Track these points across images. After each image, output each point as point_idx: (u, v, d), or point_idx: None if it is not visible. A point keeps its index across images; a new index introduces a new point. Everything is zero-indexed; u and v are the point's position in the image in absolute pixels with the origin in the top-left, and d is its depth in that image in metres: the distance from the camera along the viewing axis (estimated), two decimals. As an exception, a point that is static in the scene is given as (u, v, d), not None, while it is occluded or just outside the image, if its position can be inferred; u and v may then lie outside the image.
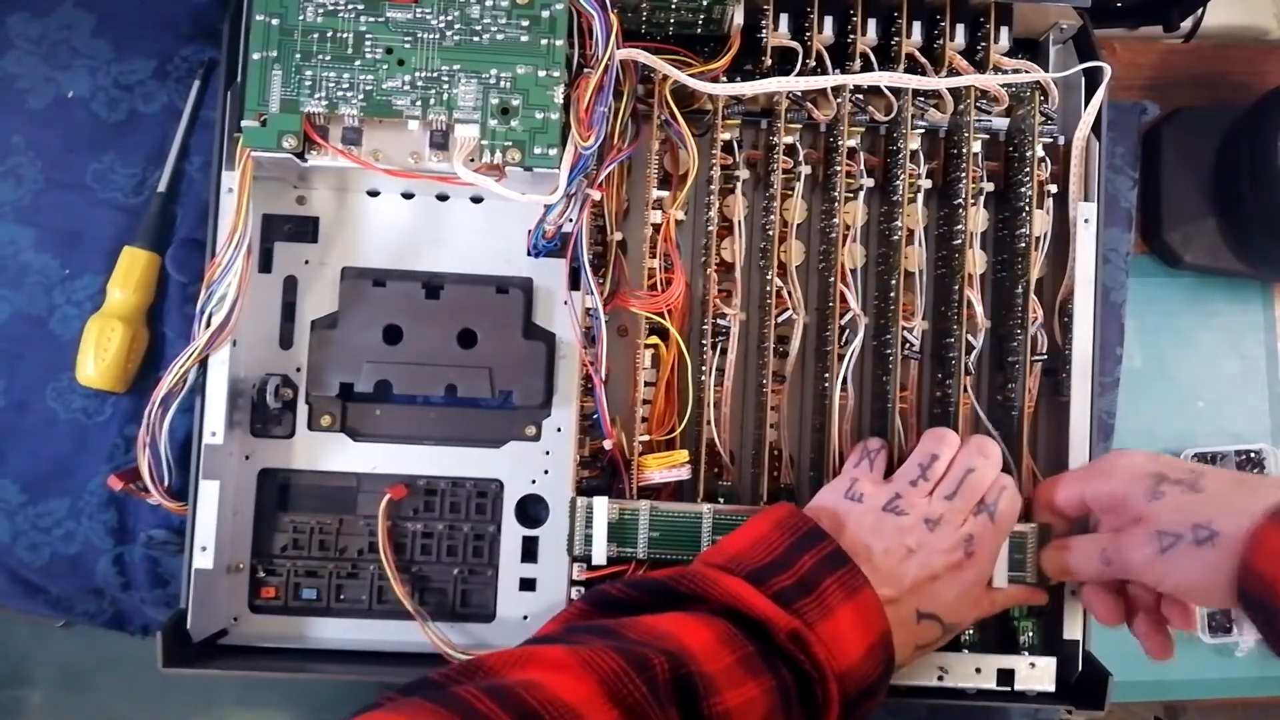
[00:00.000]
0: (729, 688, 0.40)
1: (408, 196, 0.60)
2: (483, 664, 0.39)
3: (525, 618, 0.58)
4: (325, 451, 0.59)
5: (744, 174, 0.59)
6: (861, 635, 0.45)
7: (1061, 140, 0.60)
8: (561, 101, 0.52)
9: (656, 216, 0.57)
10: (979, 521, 0.50)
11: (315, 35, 0.52)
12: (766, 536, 0.48)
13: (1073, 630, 0.56)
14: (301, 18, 0.52)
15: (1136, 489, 0.48)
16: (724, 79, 0.58)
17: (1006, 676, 0.57)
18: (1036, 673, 0.57)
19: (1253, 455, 0.69)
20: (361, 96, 0.52)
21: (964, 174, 0.58)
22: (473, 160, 0.52)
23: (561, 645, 0.39)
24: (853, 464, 0.54)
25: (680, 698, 0.39)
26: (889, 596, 0.47)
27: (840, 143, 0.57)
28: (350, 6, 0.52)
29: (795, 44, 0.57)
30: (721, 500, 0.58)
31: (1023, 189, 0.58)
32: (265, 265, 0.59)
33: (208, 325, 0.54)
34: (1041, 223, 0.58)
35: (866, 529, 0.49)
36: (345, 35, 0.52)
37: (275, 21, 0.52)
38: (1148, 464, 0.49)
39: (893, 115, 0.59)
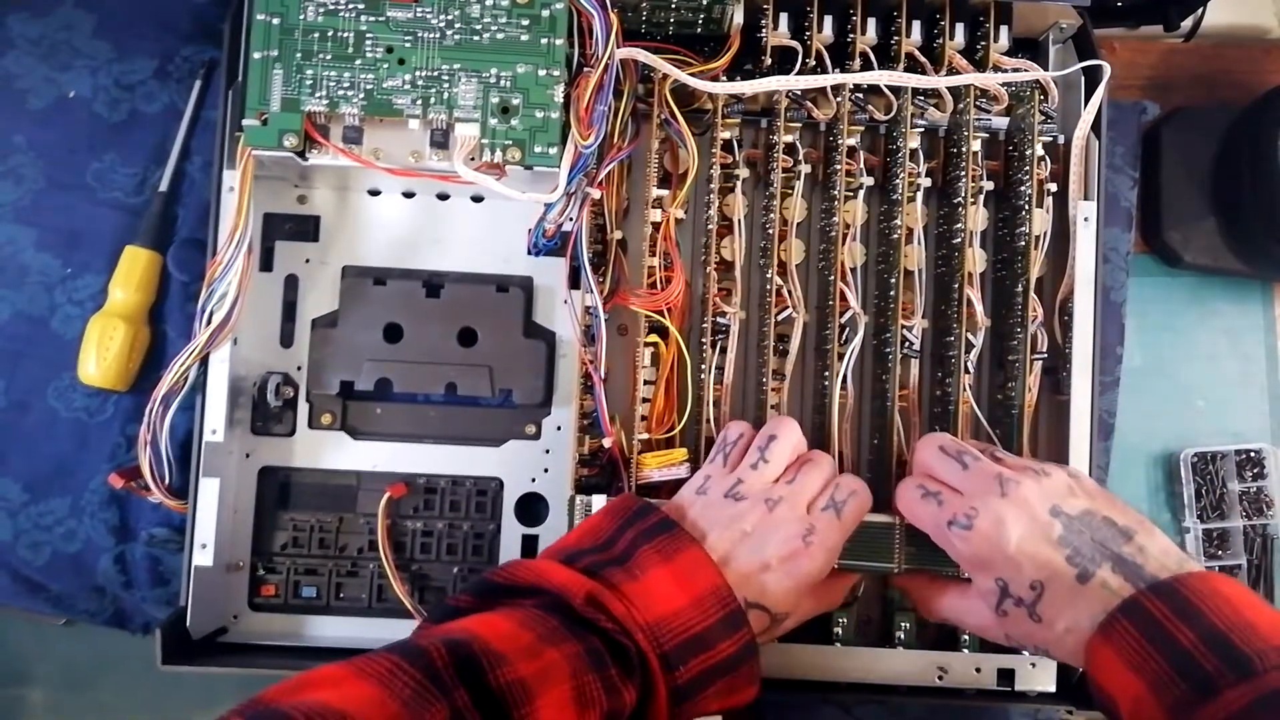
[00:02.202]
0: (522, 660, 0.40)
1: (408, 195, 0.60)
2: (260, 698, 0.37)
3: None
4: (325, 450, 0.59)
5: (744, 173, 0.59)
6: (681, 588, 0.44)
7: (1061, 139, 0.60)
8: (561, 100, 0.52)
9: (656, 215, 0.57)
10: (823, 516, 0.49)
11: (316, 34, 0.52)
12: (598, 524, 0.48)
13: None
14: (302, 17, 0.52)
15: (985, 585, 0.48)
16: (724, 78, 0.58)
17: (1007, 676, 0.57)
18: (1037, 673, 0.57)
19: (1253, 455, 0.69)
20: (362, 95, 0.52)
21: (964, 173, 0.58)
22: (473, 159, 0.52)
23: (338, 664, 0.39)
24: (709, 459, 0.53)
25: (465, 677, 0.38)
26: None
27: (840, 142, 0.58)
28: (351, 6, 0.52)
29: (795, 43, 0.58)
30: (721, 499, 0.58)
31: (1022, 188, 0.58)
32: (266, 264, 0.59)
33: (208, 324, 0.54)
34: (1041, 222, 0.58)
35: (705, 517, 0.48)
36: (346, 34, 0.52)
37: (276, 21, 0.52)
38: (995, 563, 0.47)
39: (892, 114, 0.59)
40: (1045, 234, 0.58)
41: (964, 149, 0.58)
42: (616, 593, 0.43)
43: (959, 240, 0.58)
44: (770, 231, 0.58)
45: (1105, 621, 0.44)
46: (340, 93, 0.52)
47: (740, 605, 0.45)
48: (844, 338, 0.58)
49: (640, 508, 0.48)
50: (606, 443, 0.56)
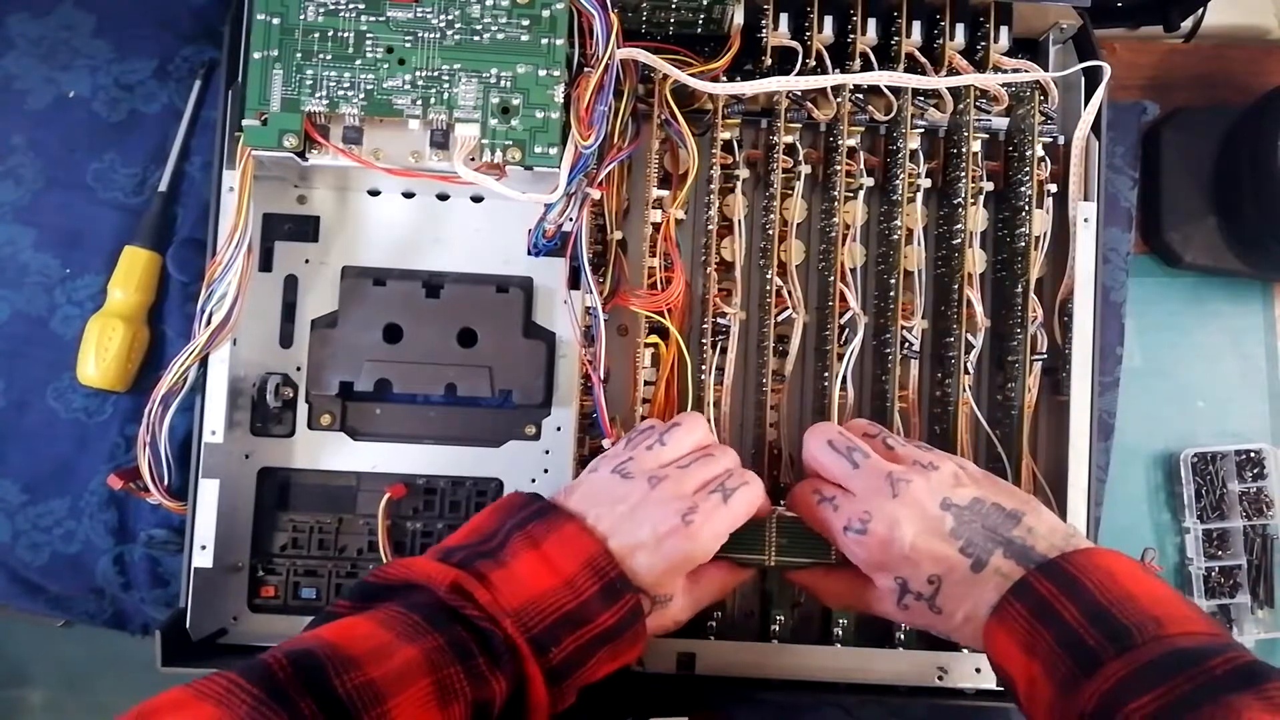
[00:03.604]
0: (373, 662, 0.39)
1: (408, 196, 0.60)
2: None
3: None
4: (325, 450, 0.59)
5: (744, 173, 0.59)
6: (550, 569, 0.44)
7: (1061, 140, 0.60)
8: (562, 101, 0.52)
9: (656, 215, 0.57)
10: (710, 498, 0.47)
11: (316, 34, 0.52)
12: (482, 522, 0.47)
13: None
14: (302, 17, 0.52)
15: (885, 584, 0.48)
16: (724, 78, 0.58)
17: (1006, 676, 0.57)
18: (1036, 672, 0.57)
19: (1253, 455, 0.69)
20: (362, 95, 0.52)
21: (963, 173, 0.58)
22: (473, 159, 0.52)
23: (179, 688, 0.39)
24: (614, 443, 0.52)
25: (311, 687, 0.38)
26: None
27: (840, 142, 0.57)
28: (351, 6, 0.52)
29: (795, 44, 0.58)
30: (721, 499, 0.58)
31: (1022, 188, 0.58)
32: (266, 264, 0.59)
33: (208, 324, 0.54)
34: (1041, 222, 0.58)
35: (589, 495, 0.48)
36: (346, 34, 0.52)
37: (276, 21, 0.52)
38: (892, 563, 0.47)
39: (892, 115, 0.59)
40: (1045, 234, 0.59)
41: (964, 149, 0.58)
42: (484, 581, 0.43)
43: (959, 241, 0.58)
44: (770, 232, 0.58)
45: (998, 605, 0.44)
46: (340, 93, 0.52)
47: (620, 573, 0.45)
48: (844, 338, 0.58)
49: (523, 501, 0.48)
50: (606, 443, 0.56)
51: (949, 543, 0.46)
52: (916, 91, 0.58)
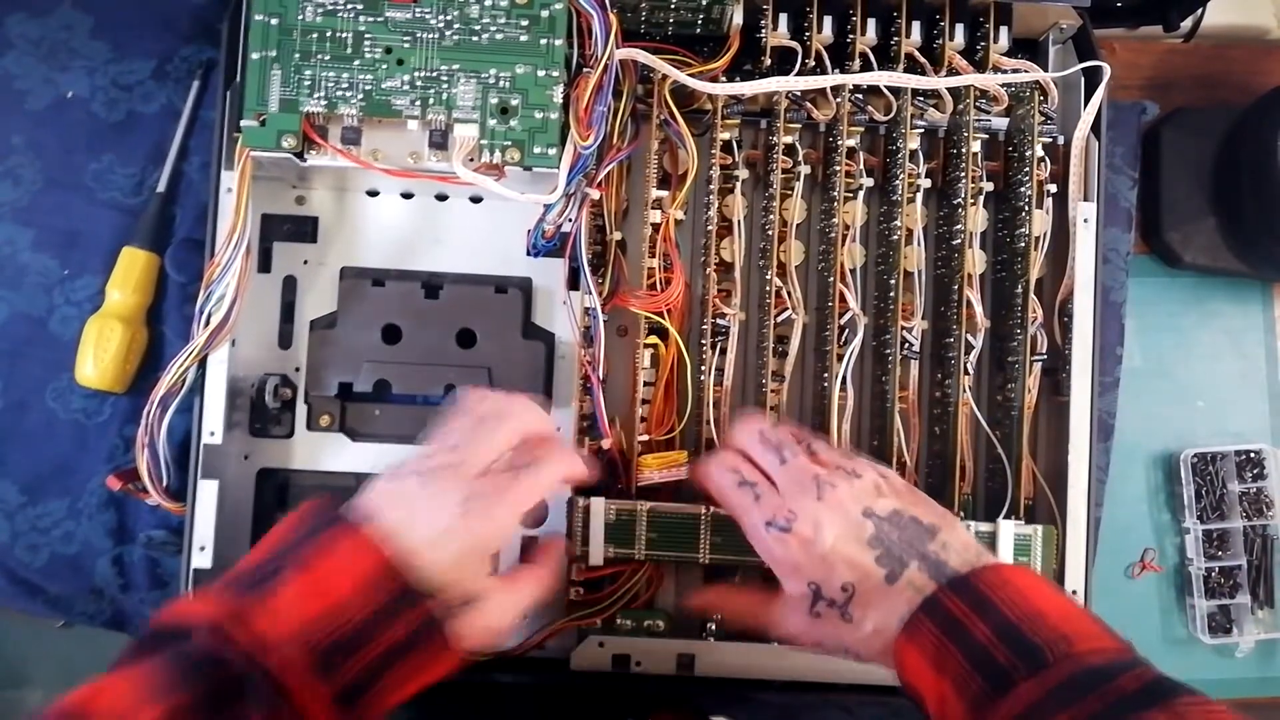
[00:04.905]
0: None
1: (407, 196, 0.60)
2: None
3: (524, 617, 0.58)
4: (324, 451, 0.59)
5: (743, 174, 0.59)
6: (318, 593, 0.41)
7: (1061, 140, 0.60)
8: (561, 101, 0.52)
9: (656, 216, 0.57)
10: (497, 479, 0.45)
11: (314, 35, 0.52)
12: (280, 535, 0.45)
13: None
14: (301, 17, 0.52)
15: (798, 589, 0.47)
16: (723, 79, 0.58)
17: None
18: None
19: (1253, 455, 0.69)
20: (361, 96, 0.52)
21: (963, 174, 0.58)
22: (472, 160, 0.52)
23: None
24: None
25: None
26: None
27: (840, 142, 0.57)
28: (349, 6, 0.52)
29: (794, 44, 0.57)
30: (721, 500, 0.58)
31: (1022, 189, 0.58)
32: (264, 265, 0.59)
33: (206, 325, 0.54)
34: (1041, 222, 0.58)
35: (374, 502, 0.45)
36: (344, 35, 0.52)
37: (274, 21, 0.52)
38: (810, 566, 0.47)
39: (892, 115, 0.59)
40: (1045, 235, 0.58)
41: (964, 150, 0.58)
42: (244, 620, 0.40)
43: (959, 241, 0.58)
44: (770, 232, 0.58)
45: (909, 621, 0.44)
46: (339, 93, 0.52)
47: (406, 585, 0.42)
48: (843, 339, 0.58)
49: (312, 511, 0.45)
50: (605, 444, 0.56)
51: (867, 551, 0.46)
52: (916, 91, 0.58)
